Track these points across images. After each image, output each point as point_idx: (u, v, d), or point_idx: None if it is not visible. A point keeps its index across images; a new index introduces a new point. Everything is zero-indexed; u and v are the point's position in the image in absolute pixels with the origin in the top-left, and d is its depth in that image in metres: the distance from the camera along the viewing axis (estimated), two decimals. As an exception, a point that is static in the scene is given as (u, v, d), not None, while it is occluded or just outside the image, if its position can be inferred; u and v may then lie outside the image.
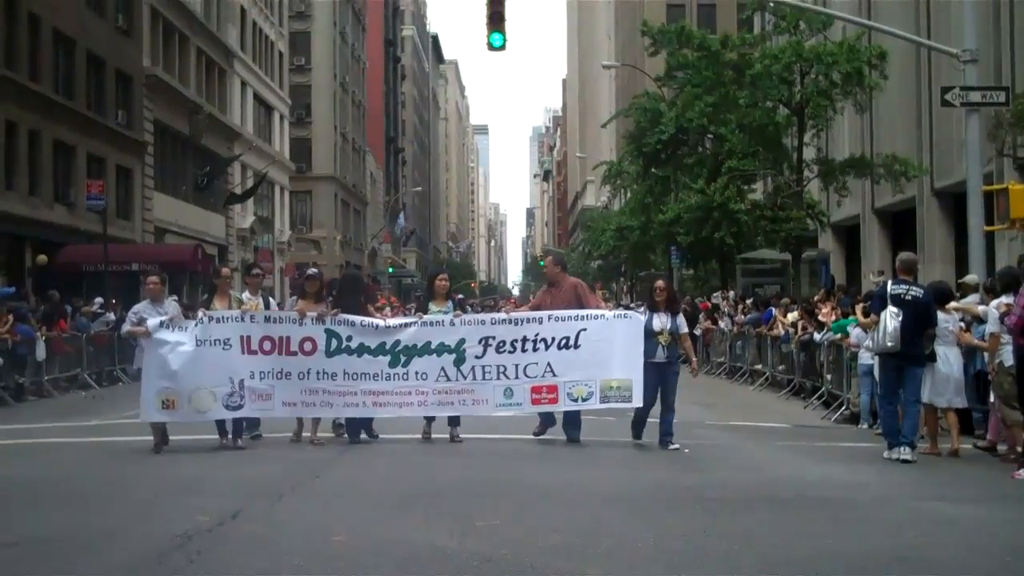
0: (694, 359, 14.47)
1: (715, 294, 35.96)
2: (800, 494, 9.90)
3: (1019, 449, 11.97)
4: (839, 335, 18.01)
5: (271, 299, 14.62)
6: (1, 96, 31.24)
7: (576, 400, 13.06)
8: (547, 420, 13.61)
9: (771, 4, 32.40)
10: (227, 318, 12.98)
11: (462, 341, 13.09)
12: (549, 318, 13.23)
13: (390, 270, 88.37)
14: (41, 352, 22.76)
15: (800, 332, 21.85)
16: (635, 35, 55.09)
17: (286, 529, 8.07)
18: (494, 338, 13.14)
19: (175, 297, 16.88)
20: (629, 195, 53.36)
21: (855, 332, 16.48)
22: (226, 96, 53.09)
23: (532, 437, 13.51)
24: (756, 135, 32.06)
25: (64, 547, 7.55)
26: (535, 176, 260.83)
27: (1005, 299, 12.08)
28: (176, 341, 12.62)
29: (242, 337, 12.93)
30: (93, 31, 37.32)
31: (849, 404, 17.70)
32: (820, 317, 20.88)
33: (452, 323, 13.26)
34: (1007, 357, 11.85)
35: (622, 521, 8.47)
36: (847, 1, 37.45)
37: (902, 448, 12.01)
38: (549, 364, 13.04)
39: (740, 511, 8.94)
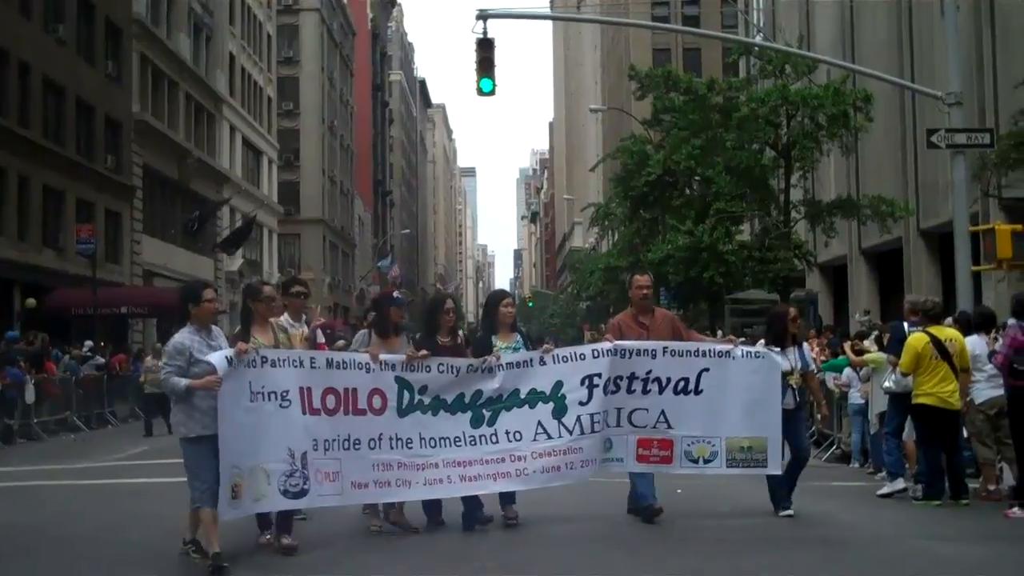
0: (823, 403, 12.94)
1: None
2: (796, 534, 9.91)
3: (990, 488, 12.14)
4: (832, 375, 18.03)
5: (318, 332, 11.23)
6: (-9, 141, 31.32)
7: (696, 461, 10.37)
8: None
9: (756, 49, 32.73)
10: (284, 360, 9.12)
11: (559, 385, 10.01)
12: (664, 351, 10.31)
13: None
14: (30, 395, 22.75)
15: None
16: (621, 78, 55.55)
17: (288, 572, 8.06)
18: (599, 376, 10.09)
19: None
20: (617, 236, 53.55)
21: (846, 372, 16.57)
22: (215, 140, 53.24)
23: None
24: (743, 177, 32.23)
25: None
26: (523, 218, 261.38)
27: (976, 337, 12.38)
28: (241, 389, 8.72)
29: (301, 389, 9.16)
30: (83, 78, 37.47)
31: (840, 443, 17.73)
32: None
33: (542, 361, 10.11)
34: (977, 395, 12.10)
35: (622, 561, 8.48)
36: (831, 44, 37.85)
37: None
38: (663, 412, 10.29)
39: (737, 552, 8.95)
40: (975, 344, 12.24)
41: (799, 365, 10.95)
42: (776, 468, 10.48)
